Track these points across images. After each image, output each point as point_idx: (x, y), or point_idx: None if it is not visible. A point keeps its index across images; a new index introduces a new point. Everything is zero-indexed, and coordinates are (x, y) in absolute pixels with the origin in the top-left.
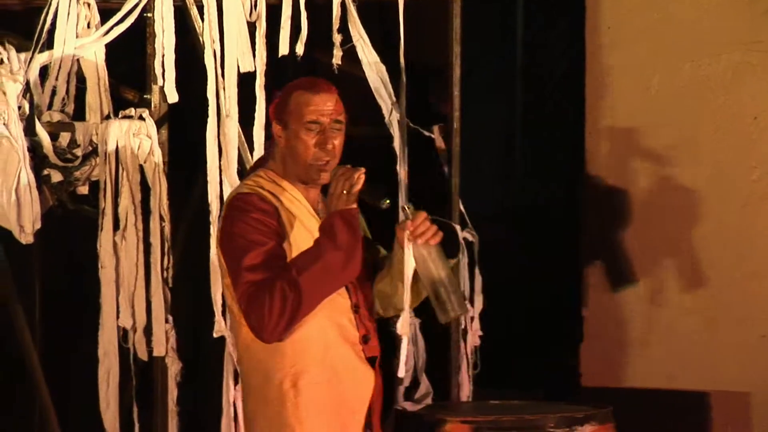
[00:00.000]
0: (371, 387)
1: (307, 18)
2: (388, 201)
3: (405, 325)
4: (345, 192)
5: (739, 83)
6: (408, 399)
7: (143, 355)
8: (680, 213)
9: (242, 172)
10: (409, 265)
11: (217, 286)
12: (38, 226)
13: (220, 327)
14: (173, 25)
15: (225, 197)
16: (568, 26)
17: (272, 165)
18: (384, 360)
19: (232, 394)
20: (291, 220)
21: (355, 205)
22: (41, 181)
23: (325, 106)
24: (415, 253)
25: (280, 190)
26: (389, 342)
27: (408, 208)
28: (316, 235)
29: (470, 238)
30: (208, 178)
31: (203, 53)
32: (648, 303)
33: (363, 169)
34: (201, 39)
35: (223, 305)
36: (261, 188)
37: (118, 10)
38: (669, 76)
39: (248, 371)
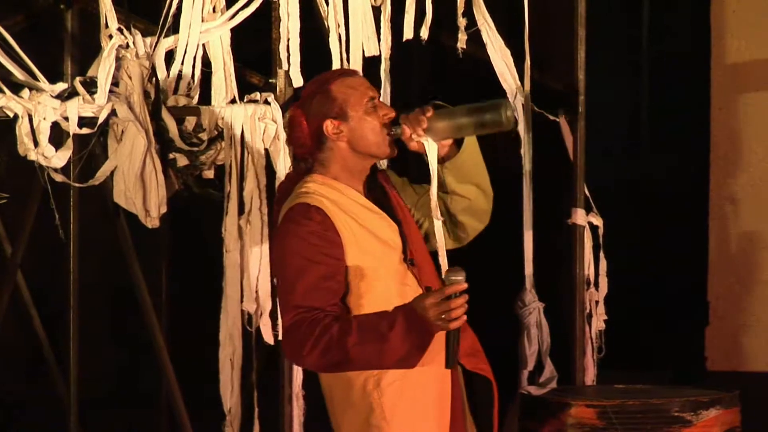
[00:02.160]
0: (449, 380)
1: (432, 2)
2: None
3: (436, 209)
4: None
5: None
6: (532, 383)
7: (269, 338)
8: None
9: None
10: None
11: None
12: (164, 210)
13: None
14: (298, 9)
15: None
16: (693, 6)
17: (320, 170)
18: (508, 345)
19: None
20: (350, 223)
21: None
22: (167, 165)
23: (365, 83)
24: (433, 137)
25: (338, 194)
26: (512, 328)
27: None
28: (377, 231)
29: (595, 222)
30: None
31: (328, 37)
32: None
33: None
34: (326, 23)
35: None
36: (319, 195)
37: None
38: None
39: (329, 380)
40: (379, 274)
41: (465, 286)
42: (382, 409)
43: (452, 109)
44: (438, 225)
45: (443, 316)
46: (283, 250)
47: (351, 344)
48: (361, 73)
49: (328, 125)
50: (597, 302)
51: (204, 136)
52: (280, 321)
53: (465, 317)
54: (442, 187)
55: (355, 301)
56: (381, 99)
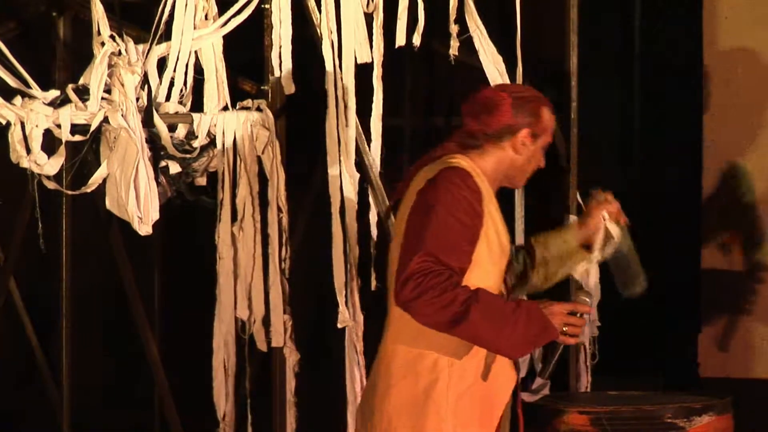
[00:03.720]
0: (512, 387)
1: (424, 8)
2: None
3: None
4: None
5: None
6: (525, 390)
7: (262, 345)
8: None
9: (359, 164)
10: (609, 242)
11: (341, 276)
12: (156, 217)
13: (344, 317)
14: (290, 16)
15: (344, 188)
16: (685, 13)
17: (475, 157)
18: None
19: (358, 383)
20: (490, 209)
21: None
22: (159, 172)
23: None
24: (612, 229)
25: (481, 181)
26: None
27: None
28: (501, 237)
29: None
30: (329, 170)
31: (320, 44)
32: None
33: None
34: (318, 30)
35: (346, 296)
36: (473, 168)
37: (236, 1)
38: None
39: (396, 344)
40: (491, 271)
41: (591, 310)
42: (447, 387)
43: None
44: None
45: (565, 328)
46: (431, 203)
47: (474, 311)
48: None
49: (525, 134)
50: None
51: (196, 143)
52: (277, 327)
53: (578, 339)
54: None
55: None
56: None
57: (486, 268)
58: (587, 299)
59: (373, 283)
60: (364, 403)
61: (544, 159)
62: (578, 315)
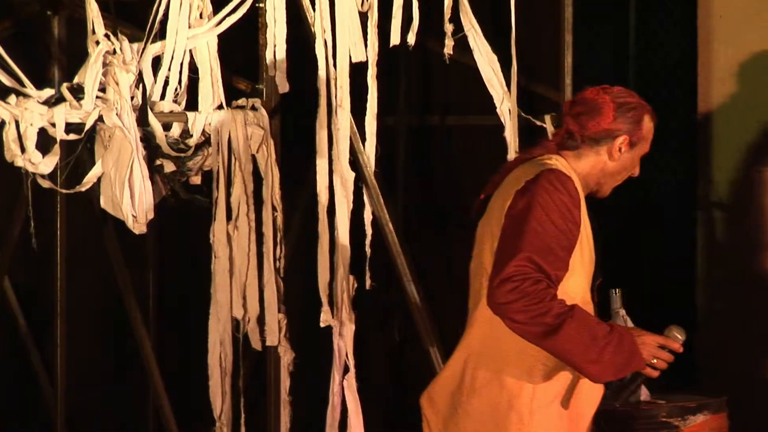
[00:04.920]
0: (599, 399)
1: (419, 7)
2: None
3: None
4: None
5: None
6: None
7: (257, 344)
8: None
9: (354, 163)
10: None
11: (325, 276)
12: (151, 216)
13: (327, 317)
14: (285, 15)
15: (336, 188)
16: (680, 12)
17: (570, 159)
18: None
19: (337, 385)
20: (584, 216)
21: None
22: (154, 171)
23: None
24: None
25: (578, 185)
26: None
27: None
28: (590, 240)
29: None
30: (317, 169)
31: (315, 43)
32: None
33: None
34: (312, 29)
35: (330, 295)
36: (572, 171)
37: (230, 0)
38: None
39: (487, 344)
40: (580, 281)
41: (681, 349)
42: (532, 398)
43: None
44: None
45: (654, 360)
46: (530, 205)
47: (567, 327)
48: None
49: (623, 140)
50: None
51: (191, 142)
52: (272, 326)
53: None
54: None
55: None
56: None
57: (577, 278)
58: (680, 336)
59: (368, 282)
60: (443, 400)
61: (639, 168)
62: (667, 350)
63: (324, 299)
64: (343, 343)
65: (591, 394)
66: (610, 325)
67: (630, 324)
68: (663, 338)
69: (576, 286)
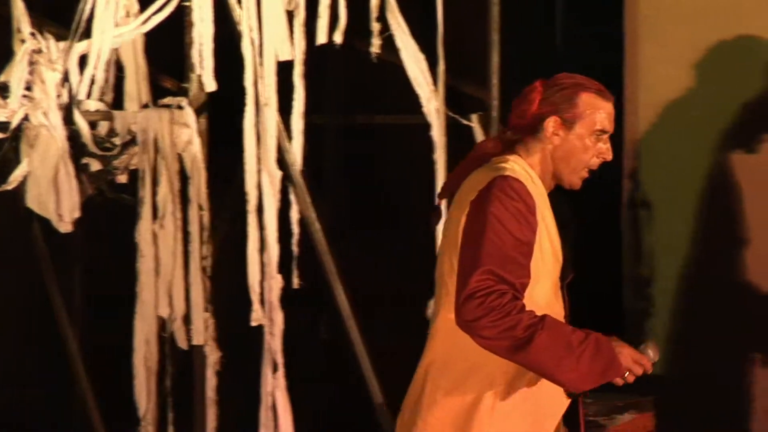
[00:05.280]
0: (565, 404)
1: (346, 6)
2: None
3: None
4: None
5: None
6: None
7: (183, 344)
8: (726, 208)
9: (281, 162)
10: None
11: (255, 274)
12: (77, 215)
13: (258, 315)
14: (211, 13)
15: (263, 187)
16: (607, 12)
17: (522, 154)
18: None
19: (270, 384)
20: (544, 215)
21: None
22: (80, 170)
23: (612, 115)
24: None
25: (533, 185)
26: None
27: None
28: (554, 238)
29: None
30: (246, 168)
31: (241, 42)
32: (688, 296)
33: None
34: (239, 27)
35: (261, 293)
36: (526, 174)
37: None
38: (710, 64)
39: (454, 352)
40: (544, 283)
41: (651, 370)
42: (493, 407)
43: None
44: None
45: (629, 370)
46: (485, 216)
47: (538, 339)
48: (612, 104)
49: (552, 121)
50: None
51: (117, 140)
52: (198, 325)
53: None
54: None
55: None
56: (297, 105)
57: (543, 283)
58: (653, 356)
59: (295, 281)
60: (408, 409)
61: (610, 151)
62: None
63: (255, 298)
64: (274, 341)
65: (554, 400)
66: (585, 332)
67: None
68: (638, 354)
69: (541, 291)
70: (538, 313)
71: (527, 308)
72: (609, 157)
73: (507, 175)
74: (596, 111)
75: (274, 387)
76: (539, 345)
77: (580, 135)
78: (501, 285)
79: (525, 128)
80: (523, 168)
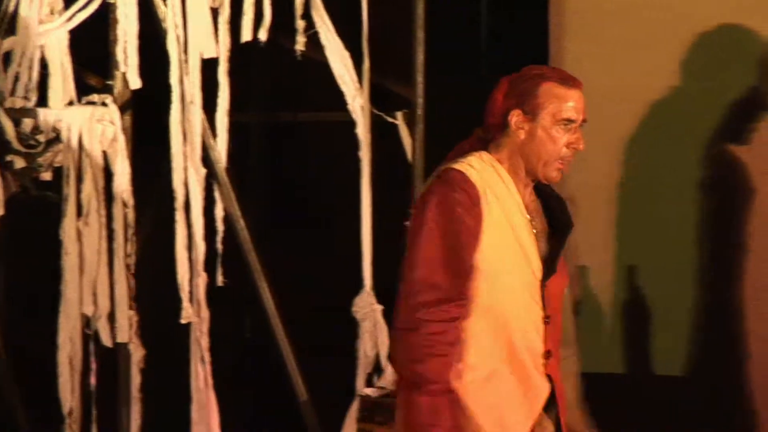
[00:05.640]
0: (541, 403)
1: (271, 4)
2: None
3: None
4: None
5: (705, 68)
6: (371, 386)
7: (107, 341)
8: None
9: (206, 159)
10: None
11: (184, 272)
12: (1, 212)
13: (188, 313)
14: (136, 11)
15: (190, 183)
16: (532, 8)
17: (492, 151)
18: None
19: (201, 379)
20: (497, 209)
21: None
22: (4, 167)
23: (579, 103)
24: None
25: (496, 178)
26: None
27: None
28: (520, 233)
29: None
30: (173, 165)
31: (166, 39)
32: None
33: None
34: (164, 25)
35: (191, 291)
36: (472, 166)
37: None
38: (635, 62)
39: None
40: (506, 281)
41: None
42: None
43: None
44: None
45: None
46: (422, 222)
47: (423, 398)
48: (582, 91)
49: (515, 115)
50: None
51: (42, 138)
52: (122, 323)
53: None
54: None
55: (481, 296)
56: (222, 103)
57: (501, 277)
58: None
59: (220, 279)
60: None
61: (580, 141)
62: None
63: (184, 296)
64: (202, 339)
65: (519, 410)
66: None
67: None
68: None
69: (507, 285)
70: (514, 307)
71: (486, 312)
72: (580, 147)
73: (449, 167)
74: (559, 100)
75: (203, 384)
76: (417, 403)
77: (545, 126)
78: (438, 310)
79: (495, 125)
80: (488, 162)
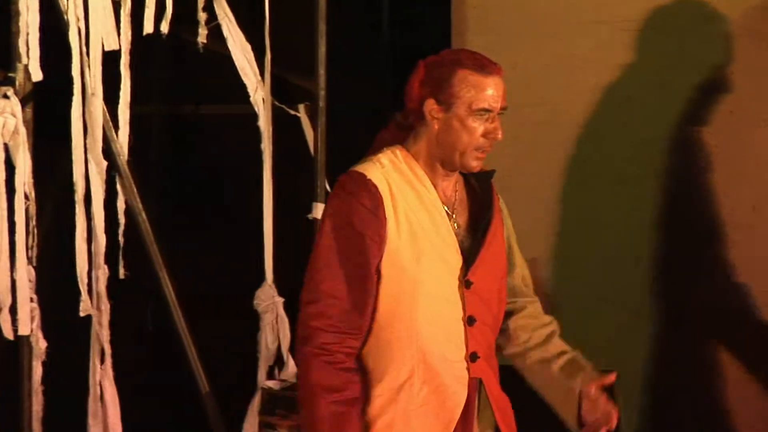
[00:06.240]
0: (458, 411)
1: None
2: None
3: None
4: None
5: (607, 60)
6: (272, 378)
7: (9, 334)
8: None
9: (107, 152)
10: None
11: (83, 264)
12: None
13: (87, 306)
14: (38, 2)
15: (91, 176)
16: (435, 4)
17: (411, 142)
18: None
19: (98, 373)
20: (404, 210)
21: None
22: None
23: (497, 91)
24: None
25: (409, 176)
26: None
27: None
28: (436, 231)
29: None
30: (73, 157)
31: (68, 31)
32: None
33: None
34: (66, 17)
35: (89, 284)
36: (380, 164)
37: None
38: (535, 54)
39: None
40: (431, 261)
41: None
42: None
43: None
44: None
45: None
46: (323, 223)
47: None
48: (501, 77)
49: (429, 104)
50: None
51: None
52: (24, 315)
53: None
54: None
55: (387, 304)
56: (123, 95)
57: (405, 283)
58: None
59: (121, 272)
60: None
61: (498, 130)
62: None
63: (83, 288)
64: (102, 331)
65: (435, 422)
66: None
67: None
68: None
69: (415, 290)
70: (412, 318)
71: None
72: (498, 136)
73: (351, 171)
74: (475, 89)
75: (102, 377)
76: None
77: (461, 117)
78: (341, 333)
79: (413, 111)
80: (402, 158)
